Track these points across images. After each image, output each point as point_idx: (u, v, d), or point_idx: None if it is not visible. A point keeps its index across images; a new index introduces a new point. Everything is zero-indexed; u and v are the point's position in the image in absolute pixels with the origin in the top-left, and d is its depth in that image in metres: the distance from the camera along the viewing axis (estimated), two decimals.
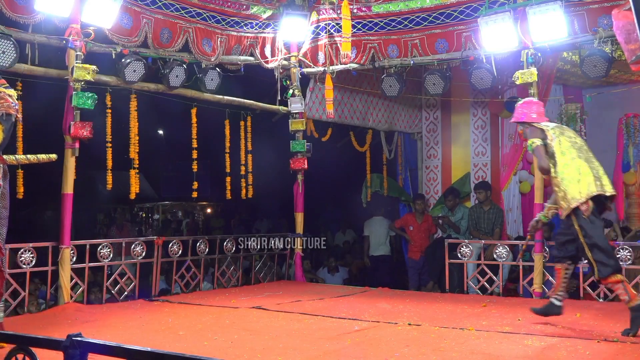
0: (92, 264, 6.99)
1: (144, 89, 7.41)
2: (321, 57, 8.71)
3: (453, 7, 7.72)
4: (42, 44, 6.40)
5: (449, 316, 5.98)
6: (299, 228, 9.02)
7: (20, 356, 2.78)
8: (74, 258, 6.64)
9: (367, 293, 7.72)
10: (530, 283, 7.24)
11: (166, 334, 5.19)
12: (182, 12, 7.53)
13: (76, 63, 6.46)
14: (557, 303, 5.46)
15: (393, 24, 8.19)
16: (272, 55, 8.59)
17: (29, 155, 5.00)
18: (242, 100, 8.54)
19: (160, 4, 7.28)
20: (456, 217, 9.45)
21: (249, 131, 8.73)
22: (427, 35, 7.99)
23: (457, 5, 7.70)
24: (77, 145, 6.53)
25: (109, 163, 7.10)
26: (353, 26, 8.23)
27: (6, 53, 5.93)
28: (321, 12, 8.63)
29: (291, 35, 8.62)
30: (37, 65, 6.38)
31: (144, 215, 21.95)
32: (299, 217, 9.02)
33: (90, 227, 15.71)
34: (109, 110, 7.03)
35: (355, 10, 8.27)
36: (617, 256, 6.10)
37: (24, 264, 6.30)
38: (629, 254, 6.84)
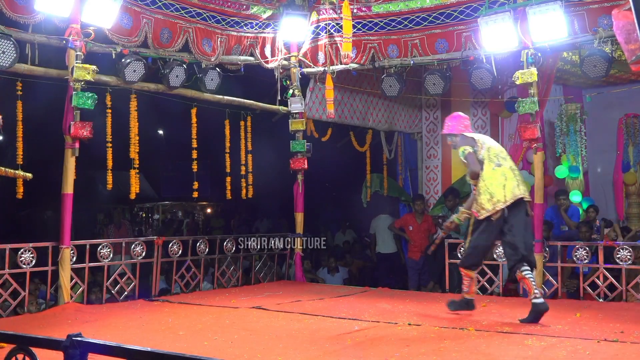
0: (92, 264, 7.00)
1: (144, 89, 7.41)
2: (321, 57, 8.71)
3: (453, 7, 7.73)
4: (42, 44, 6.40)
5: (449, 316, 5.98)
6: (299, 228, 9.02)
7: (20, 356, 2.78)
8: (74, 258, 6.64)
9: (367, 293, 7.72)
10: None
11: (166, 334, 5.20)
12: (182, 12, 7.53)
13: (76, 63, 6.46)
14: (470, 298, 6.12)
15: (393, 24, 8.19)
16: (272, 55, 8.59)
17: (7, 169, 5.01)
18: (242, 100, 8.54)
19: (160, 4, 7.28)
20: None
21: (249, 131, 8.73)
22: (427, 35, 7.99)
23: (457, 5, 7.70)
24: (77, 145, 6.53)
25: (109, 163, 7.10)
26: (353, 26, 8.23)
27: (6, 53, 5.93)
28: (321, 12, 8.63)
29: (291, 35, 8.62)
30: (37, 65, 6.38)
31: (144, 215, 21.94)
32: (299, 217, 9.02)
33: (90, 227, 15.71)
34: (109, 110, 7.04)
35: (355, 10, 8.27)
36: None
37: (24, 264, 6.31)
38: (629, 254, 6.84)
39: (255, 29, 8.37)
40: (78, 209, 7.02)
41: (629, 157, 9.97)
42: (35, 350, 2.76)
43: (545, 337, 4.90)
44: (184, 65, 7.51)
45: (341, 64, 8.54)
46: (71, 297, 6.53)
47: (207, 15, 7.80)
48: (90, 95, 6.49)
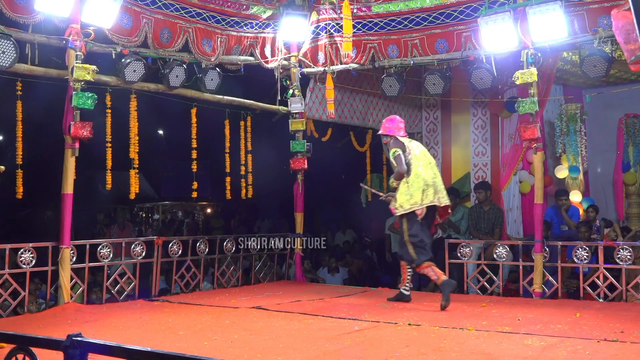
0: (92, 264, 7.00)
1: (144, 89, 7.41)
2: (321, 57, 8.71)
3: (453, 7, 7.72)
4: (42, 44, 6.40)
5: (449, 316, 5.97)
6: (299, 228, 9.02)
7: (20, 356, 2.78)
8: (74, 258, 6.64)
9: (367, 293, 7.72)
10: (530, 283, 7.24)
11: (166, 334, 5.19)
12: (182, 12, 7.53)
13: (76, 63, 6.45)
14: (406, 292, 6.78)
15: (393, 24, 8.19)
16: (272, 55, 8.59)
17: None
18: (242, 100, 8.54)
19: (160, 4, 7.27)
20: (456, 217, 9.44)
21: (249, 131, 8.73)
22: (427, 35, 7.99)
23: (457, 5, 7.70)
24: (77, 145, 6.52)
25: (109, 163, 7.10)
26: (353, 26, 8.23)
27: (6, 53, 5.93)
28: (321, 12, 8.63)
29: (291, 35, 8.62)
30: (37, 65, 6.37)
31: (144, 215, 21.94)
32: (299, 217, 9.02)
33: (90, 227, 15.71)
34: (109, 110, 7.03)
35: (355, 10, 8.26)
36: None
37: (24, 264, 6.31)
38: (629, 254, 6.84)
39: (255, 29, 8.37)
40: (78, 209, 7.02)
41: (629, 157, 9.96)
42: (35, 350, 2.76)
43: (545, 337, 4.90)
44: (184, 65, 7.51)
45: (341, 64, 8.54)
46: (71, 297, 6.53)
47: (207, 15, 7.80)
48: (90, 95, 6.49)
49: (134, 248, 7.35)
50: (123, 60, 6.98)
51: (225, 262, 8.35)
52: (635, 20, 4.71)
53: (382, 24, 8.24)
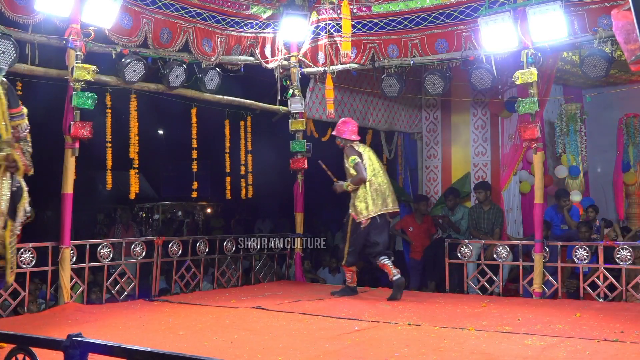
0: (92, 264, 7.00)
1: (144, 89, 7.41)
2: (321, 57, 8.71)
3: (453, 7, 7.72)
4: (42, 44, 6.39)
5: (449, 316, 5.98)
6: (299, 228, 9.02)
7: (20, 356, 2.78)
8: (74, 258, 6.64)
9: (367, 293, 7.72)
10: (530, 283, 7.24)
11: (166, 334, 5.19)
12: (182, 12, 7.53)
13: (76, 63, 6.46)
14: (352, 286, 7.34)
15: (393, 24, 8.18)
16: (272, 55, 8.59)
17: None
18: (242, 100, 8.54)
19: (160, 4, 7.28)
20: (456, 217, 9.45)
21: (249, 131, 8.73)
22: (427, 35, 7.99)
23: (457, 5, 7.69)
24: (77, 145, 6.52)
25: (109, 163, 7.10)
26: (353, 26, 8.23)
27: (6, 53, 5.92)
28: (321, 12, 8.63)
29: (291, 35, 8.62)
30: (37, 65, 6.37)
31: (144, 215, 21.94)
32: (299, 217, 9.02)
33: (90, 227, 15.71)
34: (109, 110, 7.03)
35: (355, 10, 8.27)
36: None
37: (24, 264, 6.30)
38: (629, 254, 6.84)
39: (255, 29, 8.37)
40: (78, 209, 7.02)
41: (629, 157, 9.96)
42: (35, 350, 2.76)
43: (545, 337, 4.90)
44: (184, 65, 7.51)
45: (341, 64, 8.54)
46: (71, 297, 6.53)
47: (207, 15, 7.80)
48: (90, 95, 6.49)
49: (134, 248, 7.36)
50: (123, 60, 6.99)
51: (225, 262, 8.35)
52: (635, 20, 4.71)
53: (382, 24, 8.24)
